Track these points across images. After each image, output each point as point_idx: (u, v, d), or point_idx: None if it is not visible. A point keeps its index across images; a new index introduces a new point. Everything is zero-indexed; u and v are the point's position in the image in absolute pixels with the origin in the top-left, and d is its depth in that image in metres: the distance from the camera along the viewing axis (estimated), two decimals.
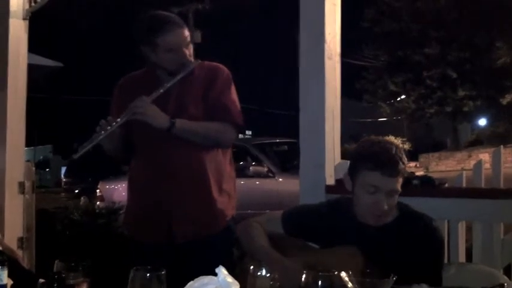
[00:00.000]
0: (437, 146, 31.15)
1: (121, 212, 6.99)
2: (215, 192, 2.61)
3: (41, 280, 1.42)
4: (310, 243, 2.16)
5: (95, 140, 2.43)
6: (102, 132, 2.44)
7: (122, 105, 2.60)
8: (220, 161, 2.67)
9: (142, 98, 2.49)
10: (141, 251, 2.67)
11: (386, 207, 2.00)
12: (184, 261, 2.53)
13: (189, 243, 2.57)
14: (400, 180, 2.01)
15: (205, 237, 2.58)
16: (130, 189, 2.82)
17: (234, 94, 2.68)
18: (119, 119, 2.47)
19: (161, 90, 2.53)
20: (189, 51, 2.58)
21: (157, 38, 2.52)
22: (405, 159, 2.04)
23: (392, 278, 1.44)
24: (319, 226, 2.14)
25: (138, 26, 2.63)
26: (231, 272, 1.37)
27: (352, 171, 2.08)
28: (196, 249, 2.56)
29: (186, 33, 2.56)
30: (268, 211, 2.90)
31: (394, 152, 2.00)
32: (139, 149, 2.70)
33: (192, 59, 2.59)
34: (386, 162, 1.98)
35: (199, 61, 2.64)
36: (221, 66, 2.72)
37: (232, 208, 2.70)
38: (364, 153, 2.06)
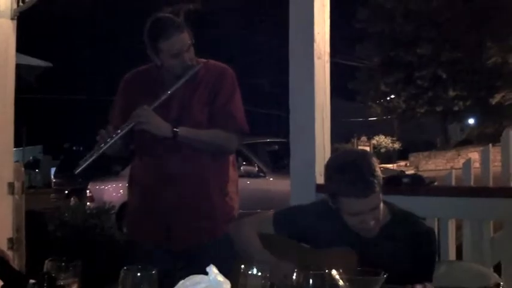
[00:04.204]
0: (427, 145, 31.31)
1: (112, 212, 6.98)
2: (217, 197, 2.59)
3: (32, 281, 1.41)
4: (302, 244, 2.16)
5: (96, 153, 2.39)
6: (102, 145, 2.39)
7: (126, 103, 2.59)
8: (224, 164, 2.65)
9: (144, 107, 2.44)
10: (140, 255, 2.63)
11: (372, 223, 1.99)
12: (183, 266, 2.52)
13: (189, 249, 2.54)
14: (378, 192, 1.96)
15: (205, 243, 2.54)
16: (131, 193, 2.78)
17: (239, 99, 2.64)
18: (119, 130, 2.42)
19: (163, 97, 2.49)
20: (190, 54, 2.54)
21: (159, 43, 2.49)
22: (377, 169, 1.97)
23: (383, 275, 1.44)
24: (311, 227, 2.13)
25: (143, 30, 2.58)
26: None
27: (330, 194, 2.05)
28: (195, 255, 2.51)
29: (187, 36, 2.51)
30: (259, 210, 2.90)
31: (364, 170, 1.94)
32: (140, 152, 2.68)
33: (194, 61, 2.55)
34: (358, 186, 1.93)
35: (203, 63, 2.59)
36: (227, 68, 2.67)
37: (236, 209, 2.67)
38: (334, 179, 2.01)
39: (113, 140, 2.40)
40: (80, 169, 2.39)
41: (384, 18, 27.16)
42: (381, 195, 1.98)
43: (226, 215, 2.60)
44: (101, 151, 2.39)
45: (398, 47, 27.36)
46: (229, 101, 2.59)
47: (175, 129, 2.46)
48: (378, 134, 32.59)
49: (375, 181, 1.94)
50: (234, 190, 2.68)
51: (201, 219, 2.56)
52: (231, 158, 2.71)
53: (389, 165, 24.19)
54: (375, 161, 2.01)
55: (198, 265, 1.39)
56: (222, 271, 1.37)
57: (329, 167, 2.07)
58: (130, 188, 2.77)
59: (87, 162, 2.37)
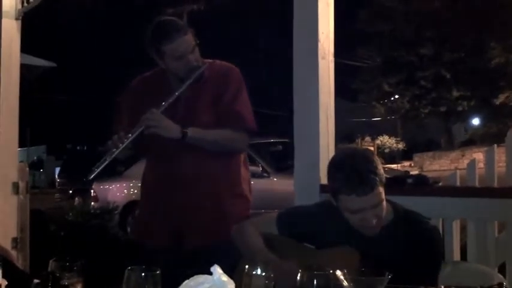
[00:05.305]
0: (430, 145, 31.27)
1: (115, 212, 7.00)
2: (229, 198, 2.59)
3: (36, 280, 1.41)
4: (305, 244, 2.16)
5: (109, 158, 2.41)
6: (114, 150, 2.41)
7: (133, 109, 2.59)
8: (235, 164, 2.65)
9: (153, 111, 2.45)
10: (145, 256, 2.63)
11: (374, 220, 1.97)
12: (192, 267, 2.51)
13: (199, 250, 2.53)
14: (380, 189, 1.95)
15: (216, 244, 2.51)
16: (142, 195, 2.81)
17: (246, 98, 2.64)
18: (130, 134, 2.44)
19: (171, 100, 2.50)
20: (195, 55, 2.54)
21: (163, 46, 2.49)
22: (379, 167, 1.96)
23: (388, 275, 1.44)
24: (314, 227, 2.12)
25: (145, 33, 2.58)
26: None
27: (332, 193, 2.04)
28: (206, 256, 2.48)
29: (191, 38, 2.52)
30: (263, 211, 2.90)
31: (365, 167, 1.93)
32: (150, 154, 2.69)
33: (199, 62, 2.55)
34: (358, 183, 1.92)
35: (208, 63, 2.59)
36: (233, 67, 2.68)
37: (247, 209, 2.68)
38: (335, 178, 2.00)
39: (124, 145, 2.42)
40: (93, 175, 2.42)
41: (385, 18, 27.12)
42: (383, 193, 1.97)
43: (239, 214, 2.59)
44: (113, 156, 2.41)
45: (400, 48, 27.32)
46: (235, 99, 2.60)
47: (184, 130, 2.47)
48: (381, 134, 32.56)
49: (376, 178, 1.93)
50: (246, 189, 2.69)
51: (212, 220, 2.56)
52: (242, 157, 2.71)
53: (394, 166, 24.18)
54: (376, 158, 2.00)
55: (208, 266, 1.38)
56: (232, 272, 1.36)
57: (330, 166, 2.07)
58: (142, 189, 2.80)
59: (101, 168, 2.39)
